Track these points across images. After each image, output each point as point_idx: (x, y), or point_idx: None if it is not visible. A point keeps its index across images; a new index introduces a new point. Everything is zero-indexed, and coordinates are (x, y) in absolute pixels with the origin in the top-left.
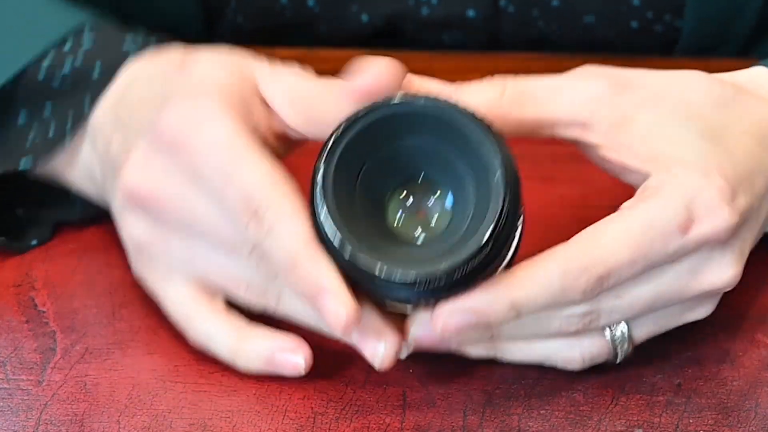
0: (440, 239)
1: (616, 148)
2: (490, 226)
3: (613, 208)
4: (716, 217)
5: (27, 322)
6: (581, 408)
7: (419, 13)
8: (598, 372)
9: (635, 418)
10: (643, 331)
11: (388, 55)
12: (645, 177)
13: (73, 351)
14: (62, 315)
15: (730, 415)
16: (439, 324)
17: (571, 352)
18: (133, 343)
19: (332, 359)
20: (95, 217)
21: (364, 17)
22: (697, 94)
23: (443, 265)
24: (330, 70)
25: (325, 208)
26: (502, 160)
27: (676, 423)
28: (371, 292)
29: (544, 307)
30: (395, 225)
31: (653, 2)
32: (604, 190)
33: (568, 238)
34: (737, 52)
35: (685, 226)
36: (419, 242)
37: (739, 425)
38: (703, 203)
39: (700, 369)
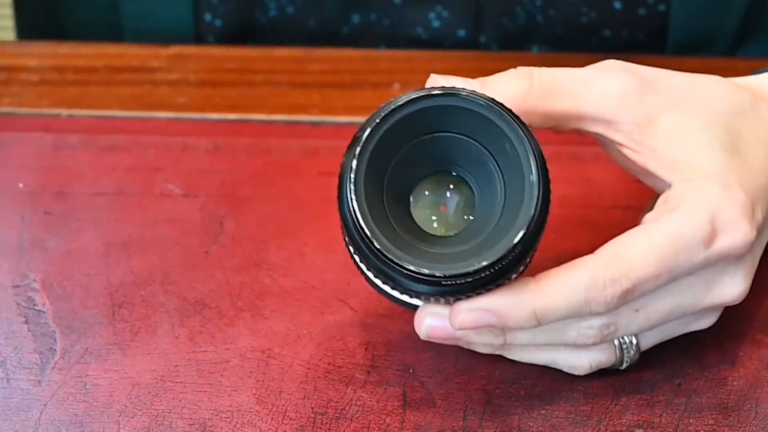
0: (467, 235)
1: (639, 149)
2: (523, 227)
3: (615, 208)
4: (737, 232)
5: (26, 322)
6: (581, 408)
7: None
8: (599, 372)
9: (635, 418)
10: (650, 339)
11: (387, 56)
12: (666, 184)
13: (72, 351)
14: (62, 315)
15: (730, 415)
16: (457, 320)
17: (579, 361)
18: (133, 343)
19: (332, 359)
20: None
21: None
22: (718, 101)
23: (474, 264)
24: (329, 70)
25: (354, 200)
26: (537, 162)
27: (676, 423)
28: (393, 283)
29: (566, 317)
30: (423, 219)
31: None
32: (605, 191)
33: (570, 238)
34: (726, 51)
35: (709, 240)
36: (446, 237)
37: (739, 425)
38: (725, 217)
39: (701, 369)
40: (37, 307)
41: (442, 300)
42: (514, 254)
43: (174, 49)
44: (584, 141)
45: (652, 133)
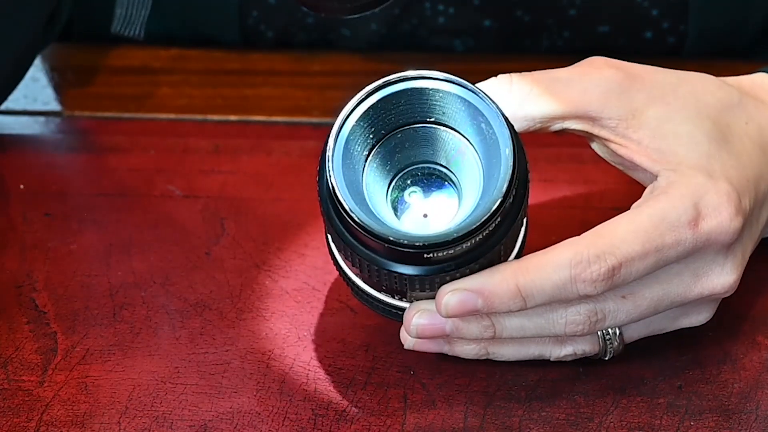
0: (449, 218)
1: (625, 143)
2: (499, 198)
3: (616, 209)
4: (722, 216)
5: (28, 323)
6: (582, 410)
7: (435, 22)
8: (599, 374)
9: (636, 421)
10: (635, 332)
11: (388, 58)
12: (653, 176)
13: (74, 352)
14: (63, 316)
15: (731, 418)
16: (442, 303)
17: (564, 351)
18: (134, 344)
19: (333, 361)
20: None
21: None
22: (705, 95)
23: (453, 234)
24: (330, 71)
25: (333, 178)
26: (512, 137)
27: (677, 425)
28: (378, 273)
29: (552, 297)
30: (404, 204)
31: (668, 12)
32: (606, 192)
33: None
34: (741, 54)
35: (695, 222)
36: (428, 220)
37: (740, 427)
38: (709, 202)
39: (701, 371)
40: (38, 308)
41: (428, 288)
42: (493, 225)
43: (175, 51)
44: (585, 143)
45: (638, 127)
